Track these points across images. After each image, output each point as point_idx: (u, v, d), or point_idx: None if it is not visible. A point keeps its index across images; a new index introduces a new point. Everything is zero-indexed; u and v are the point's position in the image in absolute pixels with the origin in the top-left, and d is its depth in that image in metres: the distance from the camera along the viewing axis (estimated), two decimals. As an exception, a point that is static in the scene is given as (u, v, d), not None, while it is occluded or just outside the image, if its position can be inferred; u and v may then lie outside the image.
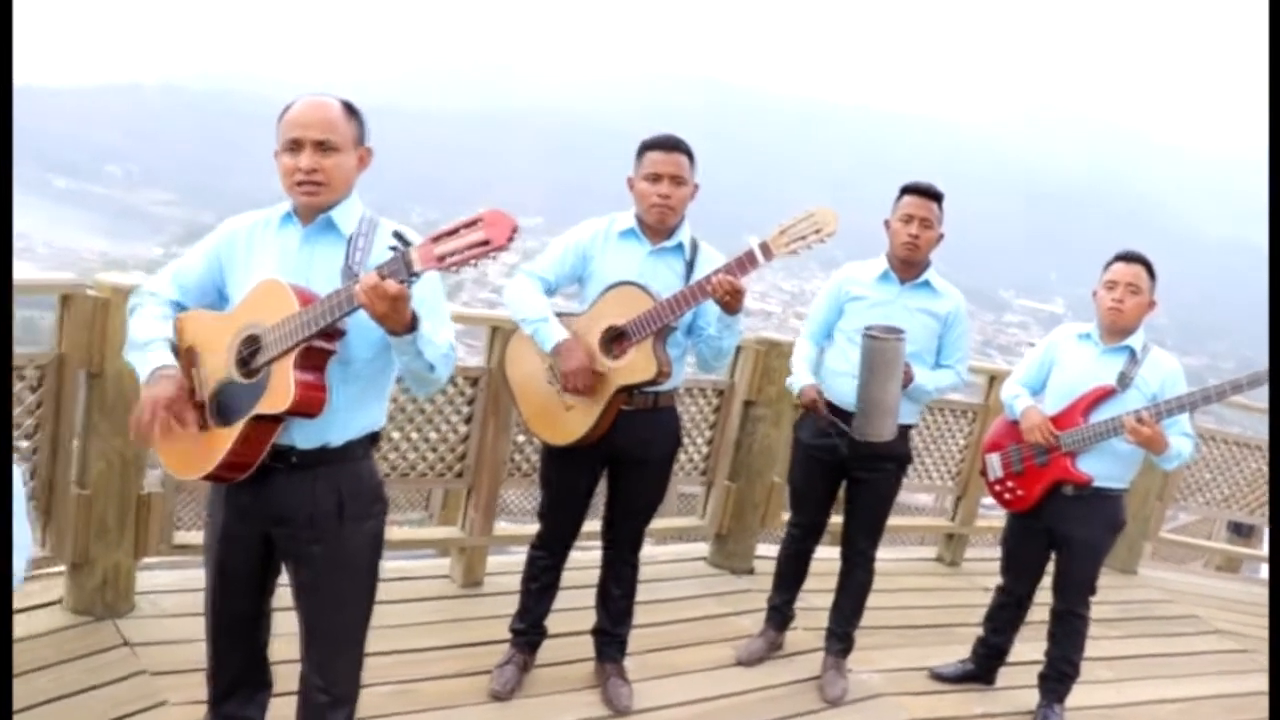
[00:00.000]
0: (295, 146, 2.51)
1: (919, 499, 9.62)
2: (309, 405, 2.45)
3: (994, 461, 4.10)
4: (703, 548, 5.29)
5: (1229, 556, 7.31)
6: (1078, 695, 4.24)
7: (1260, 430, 6.66)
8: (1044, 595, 4.24)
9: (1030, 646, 4.32)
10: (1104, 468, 3.89)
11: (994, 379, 5.70)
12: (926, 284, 3.93)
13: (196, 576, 4.21)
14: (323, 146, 2.51)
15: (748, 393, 4.95)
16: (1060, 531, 3.99)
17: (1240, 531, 8.09)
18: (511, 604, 4.01)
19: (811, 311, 4.14)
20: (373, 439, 2.74)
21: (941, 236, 3.90)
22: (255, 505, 2.65)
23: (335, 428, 2.59)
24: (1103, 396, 3.86)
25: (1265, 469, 6.35)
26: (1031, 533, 4.12)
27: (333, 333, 2.44)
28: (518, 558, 4.56)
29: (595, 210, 3.72)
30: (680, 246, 3.49)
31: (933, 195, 3.87)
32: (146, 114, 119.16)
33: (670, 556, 5.14)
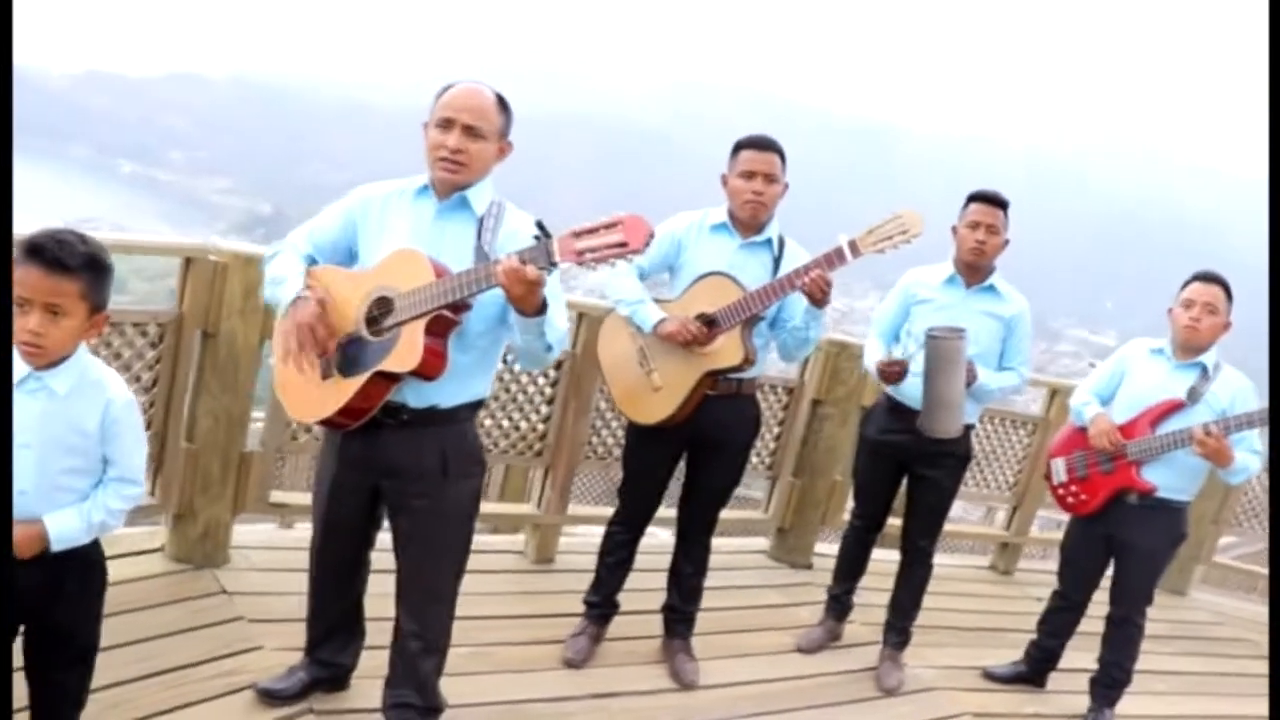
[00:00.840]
0: (447, 125, 2.72)
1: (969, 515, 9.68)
2: (430, 368, 2.64)
3: (1059, 466, 4.21)
4: (763, 542, 5.42)
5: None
6: (1126, 705, 4.34)
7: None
8: (1096, 607, 4.35)
9: (1081, 655, 4.42)
10: (1168, 479, 3.99)
11: (1055, 392, 5.80)
12: (992, 288, 4.05)
13: (284, 535, 4.47)
14: (471, 131, 2.71)
15: (816, 392, 5.09)
16: (1121, 538, 4.09)
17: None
18: (581, 581, 4.19)
19: (879, 314, 4.27)
20: (477, 406, 2.92)
21: (1007, 243, 4.03)
22: (366, 457, 2.84)
23: (446, 392, 2.77)
24: (1172, 409, 3.96)
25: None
26: (1091, 539, 4.22)
27: (461, 306, 2.62)
28: (586, 539, 4.75)
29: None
30: (769, 241, 3.65)
31: (999, 203, 4.00)
32: (213, 104, 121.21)
33: (732, 548, 5.28)
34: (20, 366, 2.25)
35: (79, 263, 2.18)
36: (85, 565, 2.40)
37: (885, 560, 4.53)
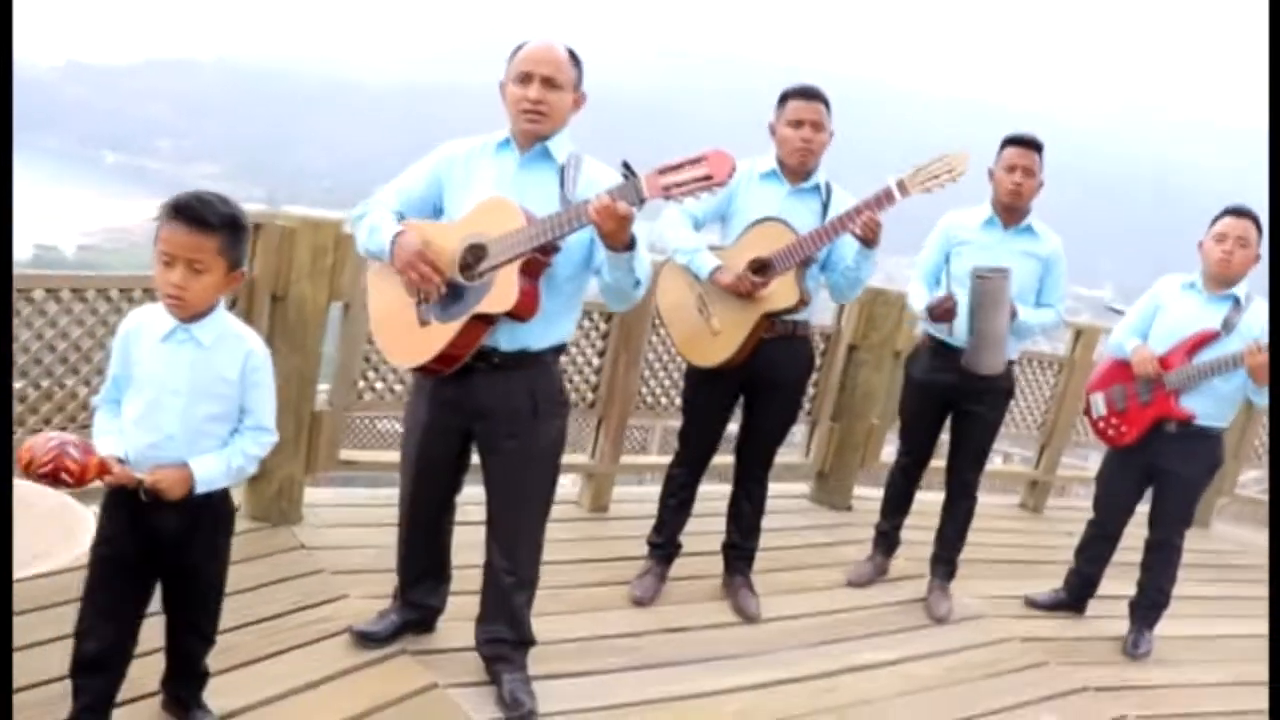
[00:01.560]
0: (526, 79, 2.85)
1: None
2: (526, 309, 2.78)
3: (1098, 400, 4.36)
4: (803, 487, 5.58)
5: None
6: (1162, 627, 4.52)
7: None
8: (1130, 539, 4.54)
9: (1117, 583, 4.59)
10: (1205, 406, 4.14)
11: (1080, 333, 5.95)
12: (1029, 228, 4.19)
13: (351, 494, 4.61)
14: (549, 83, 2.84)
15: (852, 337, 5.24)
16: (1160, 466, 4.25)
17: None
18: (635, 528, 4.37)
19: (921, 258, 4.39)
20: (561, 349, 3.06)
21: (1042, 184, 4.15)
22: (458, 400, 2.98)
23: (535, 334, 2.92)
24: (1207, 339, 4.10)
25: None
26: (1129, 469, 4.38)
27: (551, 248, 2.76)
28: (637, 488, 4.90)
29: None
30: (817, 187, 3.78)
31: (1035, 146, 4.13)
32: (200, 90, 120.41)
33: (775, 493, 5.35)
34: (167, 320, 2.41)
35: (219, 221, 2.32)
36: (218, 509, 2.56)
37: (924, 501, 4.69)
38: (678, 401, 4.84)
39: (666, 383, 4.84)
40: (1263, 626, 5.12)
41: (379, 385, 4.18)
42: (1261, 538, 6.75)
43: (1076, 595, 4.70)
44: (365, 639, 3.27)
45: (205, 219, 2.32)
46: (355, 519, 4.23)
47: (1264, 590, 5.61)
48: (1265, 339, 3.97)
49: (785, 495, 5.47)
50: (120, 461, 2.36)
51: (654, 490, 5.07)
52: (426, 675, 3.21)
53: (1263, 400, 4.13)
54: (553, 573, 4.03)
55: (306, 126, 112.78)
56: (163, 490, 2.37)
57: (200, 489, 2.42)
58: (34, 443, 2.21)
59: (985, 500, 6.33)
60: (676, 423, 4.30)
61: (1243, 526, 6.98)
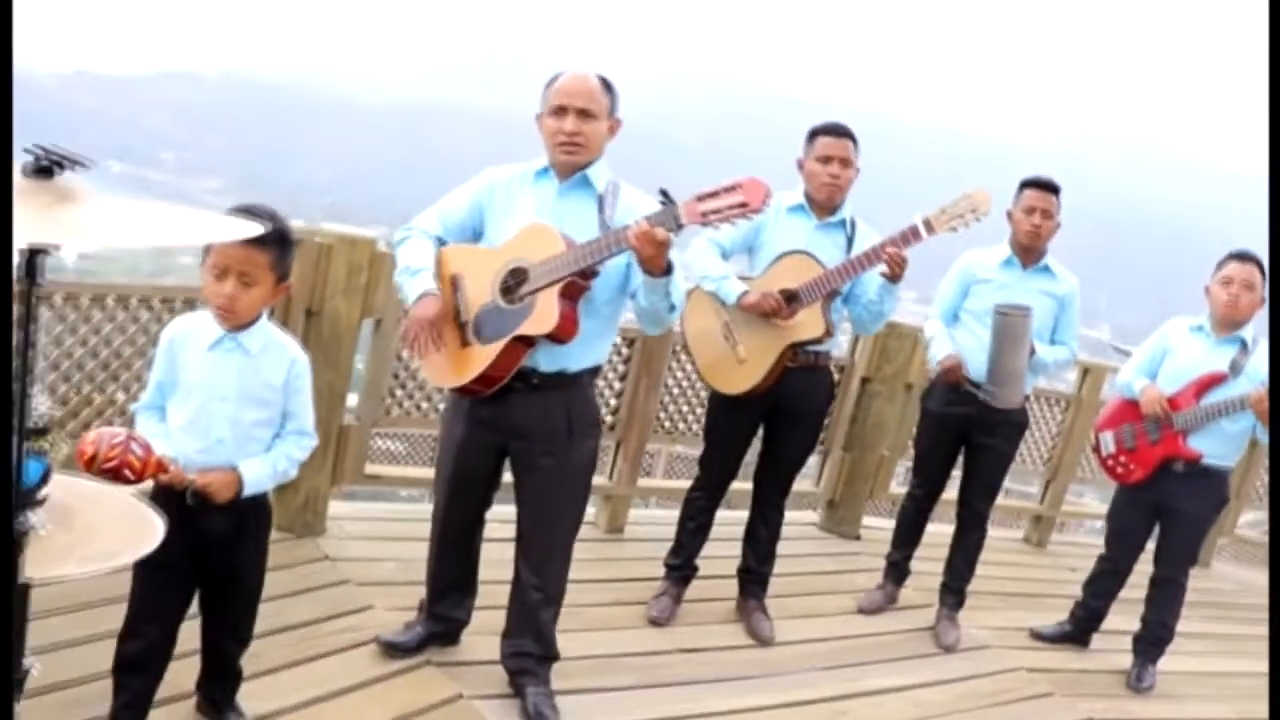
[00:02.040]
0: (561, 112, 2.94)
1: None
2: (566, 331, 2.87)
3: (1107, 438, 4.45)
4: (812, 515, 5.66)
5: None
6: (1166, 662, 4.59)
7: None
8: (1137, 576, 4.61)
9: (1122, 618, 4.67)
10: (1213, 446, 4.23)
11: (1087, 371, 6.05)
12: (1046, 268, 4.30)
13: (373, 509, 4.68)
14: (584, 114, 2.94)
15: (866, 369, 5.33)
16: (1168, 504, 4.34)
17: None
18: (651, 550, 4.44)
19: (940, 295, 4.49)
20: (597, 371, 3.15)
21: (1059, 225, 4.27)
22: (495, 419, 3.07)
23: (574, 356, 3.00)
24: (1214, 381, 4.20)
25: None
26: (1138, 507, 4.47)
27: (590, 272, 2.85)
28: (648, 511, 4.98)
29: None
30: (843, 222, 3.88)
31: (1053, 189, 4.25)
32: (203, 103, 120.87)
33: (785, 520, 5.50)
34: (214, 329, 2.50)
35: (271, 237, 2.40)
36: (261, 511, 2.64)
37: (933, 533, 4.78)
38: (695, 427, 4.94)
39: (685, 408, 4.92)
40: (1263, 665, 5.18)
41: (405, 403, 4.26)
42: (1261, 578, 6.83)
43: (1082, 628, 4.77)
44: (392, 649, 3.34)
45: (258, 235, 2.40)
46: (377, 533, 4.31)
47: (1263, 629, 5.71)
48: (1266, 387, 4.06)
49: (795, 523, 5.54)
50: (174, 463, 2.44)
51: (666, 514, 5.18)
52: (452, 686, 3.28)
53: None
54: (571, 591, 4.05)
55: (308, 142, 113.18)
56: (212, 492, 2.45)
57: (248, 491, 2.51)
58: (99, 436, 2.27)
59: (989, 534, 6.45)
60: (685, 448, 4.39)
61: (1242, 567, 7.07)
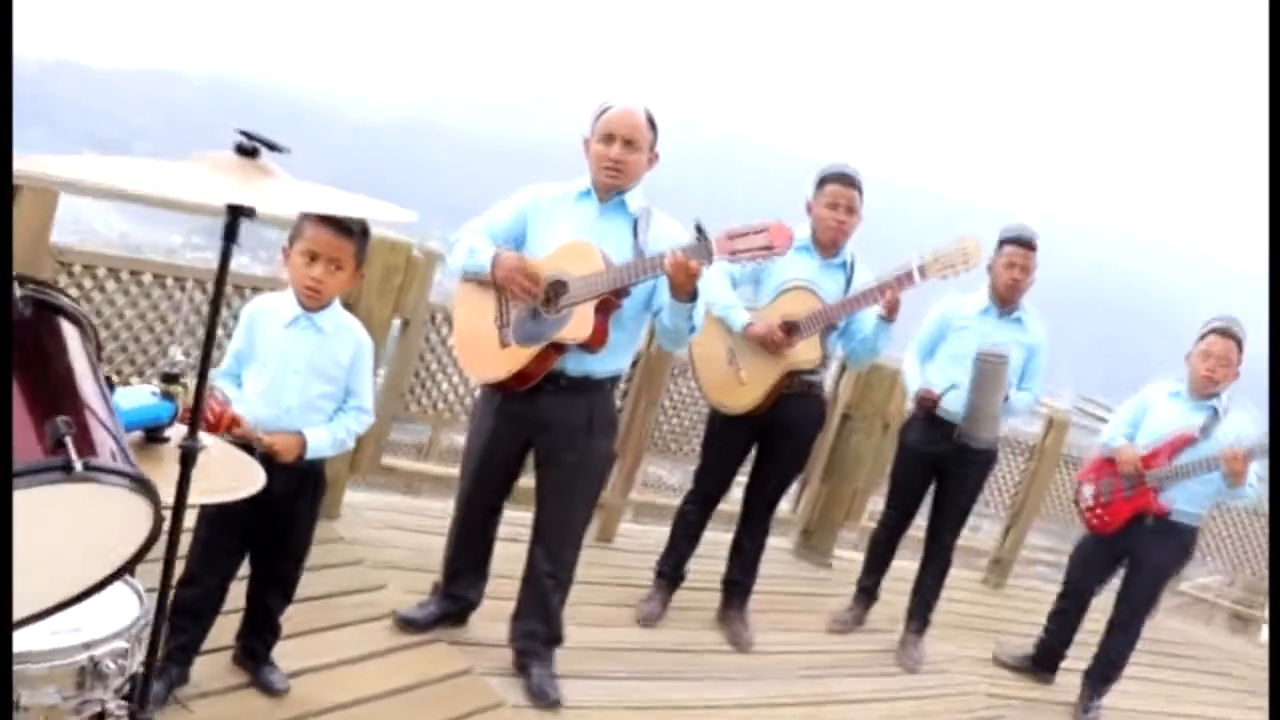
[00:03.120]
0: (609, 139, 3.27)
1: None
2: (597, 341, 3.18)
3: (1087, 490, 4.81)
4: (786, 542, 5.96)
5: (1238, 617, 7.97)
6: (1112, 699, 4.92)
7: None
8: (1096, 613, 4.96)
9: (1084, 650, 5.00)
10: (1181, 502, 4.62)
11: (1052, 422, 6.42)
12: (1020, 318, 4.66)
13: (386, 500, 4.95)
14: (630, 144, 3.27)
15: (847, 405, 5.65)
16: (1136, 554, 4.71)
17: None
18: (639, 560, 4.74)
19: (918, 335, 4.85)
20: (618, 378, 3.47)
21: (1035, 280, 4.63)
22: (524, 414, 3.37)
23: (599, 363, 3.32)
24: (1187, 442, 4.58)
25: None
26: (1102, 553, 4.85)
27: (624, 291, 3.17)
28: (636, 526, 5.27)
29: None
30: (844, 263, 4.22)
31: (1031, 245, 4.62)
32: (187, 102, 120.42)
33: (765, 539, 5.82)
34: (291, 308, 2.80)
35: (358, 229, 2.72)
36: (317, 476, 2.94)
37: (899, 567, 5.11)
38: (686, 446, 5.25)
39: (679, 428, 5.23)
40: (1198, 710, 5.56)
41: (424, 400, 4.54)
42: (1205, 633, 7.22)
43: (1042, 659, 5.10)
44: (408, 624, 3.60)
45: (349, 225, 2.72)
46: (390, 522, 4.55)
47: (1203, 679, 6.08)
48: (1239, 447, 4.43)
49: (770, 547, 5.76)
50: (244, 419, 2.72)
51: (651, 528, 5.48)
52: (462, 661, 3.55)
53: (1238, 501, 4.62)
54: (567, 591, 4.41)
55: (290, 150, 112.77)
56: (279, 452, 2.74)
57: (309, 455, 2.81)
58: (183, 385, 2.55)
59: (949, 573, 6.79)
60: (660, 468, 4.69)
61: (1188, 623, 7.43)
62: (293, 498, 2.87)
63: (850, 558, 5.92)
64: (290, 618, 3.38)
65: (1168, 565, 4.76)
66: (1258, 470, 4.54)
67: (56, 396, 1.42)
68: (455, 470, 4.69)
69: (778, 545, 5.90)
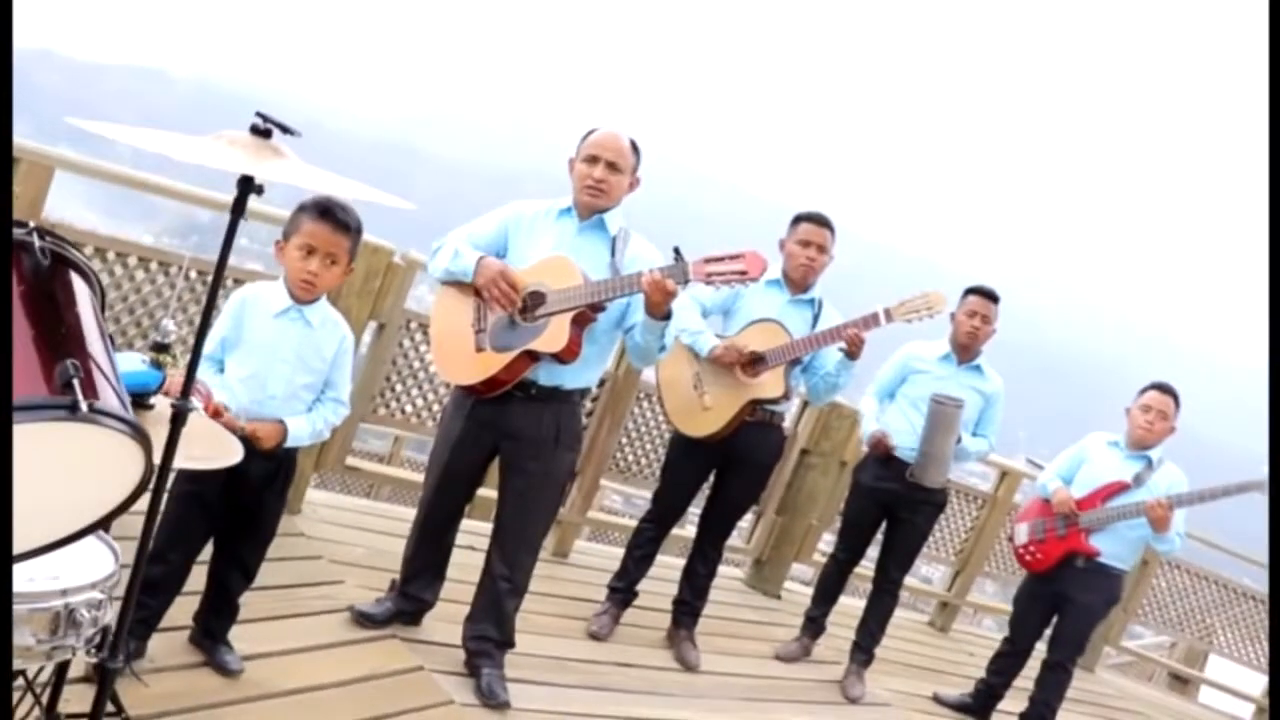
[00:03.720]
0: (593, 160, 3.39)
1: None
2: (570, 353, 3.28)
3: (1022, 529, 4.96)
4: (738, 572, 6.07)
5: (1179, 678, 8.13)
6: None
7: (1215, 564, 7.54)
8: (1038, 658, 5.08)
9: (1020, 704, 5.10)
10: (1110, 547, 4.76)
11: (1005, 474, 6.57)
12: (978, 367, 4.81)
13: (346, 500, 5.01)
14: (612, 166, 3.39)
15: (806, 442, 5.78)
16: (1066, 594, 4.84)
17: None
18: (593, 576, 4.82)
19: (879, 376, 4.99)
20: (586, 392, 3.56)
21: (994, 331, 4.79)
22: (493, 420, 3.46)
23: (570, 375, 3.41)
24: (1119, 490, 4.74)
25: (1218, 599, 7.27)
26: (1038, 597, 4.97)
27: (600, 306, 3.28)
28: (594, 544, 5.35)
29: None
30: (812, 300, 4.35)
31: (994, 298, 4.78)
32: (169, 101, 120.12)
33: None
34: (281, 299, 2.88)
35: (355, 225, 2.82)
36: (292, 464, 3.01)
37: (846, 604, 5.23)
38: (646, 470, 5.34)
39: (639, 452, 5.32)
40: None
41: (393, 404, 4.61)
42: (1142, 690, 7.37)
43: (981, 702, 5.22)
44: (364, 619, 3.66)
45: (346, 222, 2.82)
46: (351, 522, 4.61)
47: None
48: (1165, 497, 4.59)
49: (722, 575, 5.89)
50: (226, 409, 2.80)
51: (605, 548, 5.57)
52: (414, 658, 3.61)
53: (1163, 546, 4.79)
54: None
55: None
56: (260, 438, 2.81)
57: (289, 444, 2.88)
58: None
59: (896, 613, 6.90)
60: (614, 500, 4.77)
61: (1125, 678, 7.58)
62: (265, 483, 2.94)
63: (801, 591, 6.04)
64: (249, 604, 3.44)
65: (1096, 607, 4.89)
66: (1179, 529, 4.71)
67: (67, 342, 1.50)
68: (417, 476, 4.78)
69: (730, 574, 6.01)
